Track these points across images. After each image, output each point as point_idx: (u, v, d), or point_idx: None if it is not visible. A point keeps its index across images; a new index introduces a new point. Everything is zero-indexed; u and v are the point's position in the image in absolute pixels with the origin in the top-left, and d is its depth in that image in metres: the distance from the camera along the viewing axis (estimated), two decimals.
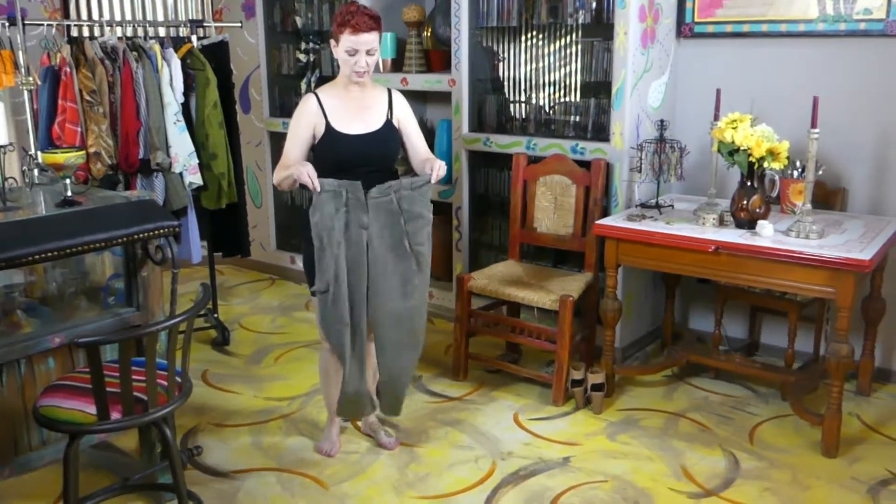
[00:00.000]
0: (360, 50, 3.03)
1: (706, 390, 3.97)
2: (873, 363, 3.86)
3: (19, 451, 2.83)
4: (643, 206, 3.83)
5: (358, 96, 3.17)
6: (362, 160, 3.10)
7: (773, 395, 3.89)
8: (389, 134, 3.20)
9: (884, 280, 3.71)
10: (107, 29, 4.18)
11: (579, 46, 4.24)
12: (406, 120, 3.26)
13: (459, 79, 4.52)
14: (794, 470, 3.26)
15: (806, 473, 3.24)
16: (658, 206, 3.80)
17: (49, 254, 2.61)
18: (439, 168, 3.05)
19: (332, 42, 3.10)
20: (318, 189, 2.94)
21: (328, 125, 3.10)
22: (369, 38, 3.03)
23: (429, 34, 4.86)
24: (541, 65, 4.39)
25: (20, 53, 3.82)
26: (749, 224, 3.45)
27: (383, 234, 3.07)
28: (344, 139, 3.10)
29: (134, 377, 2.46)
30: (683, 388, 4.00)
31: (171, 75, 4.13)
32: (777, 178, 3.57)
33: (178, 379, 2.67)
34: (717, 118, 3.57)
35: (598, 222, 3.73)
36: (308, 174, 2.92)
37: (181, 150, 4.14)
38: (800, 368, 3.93)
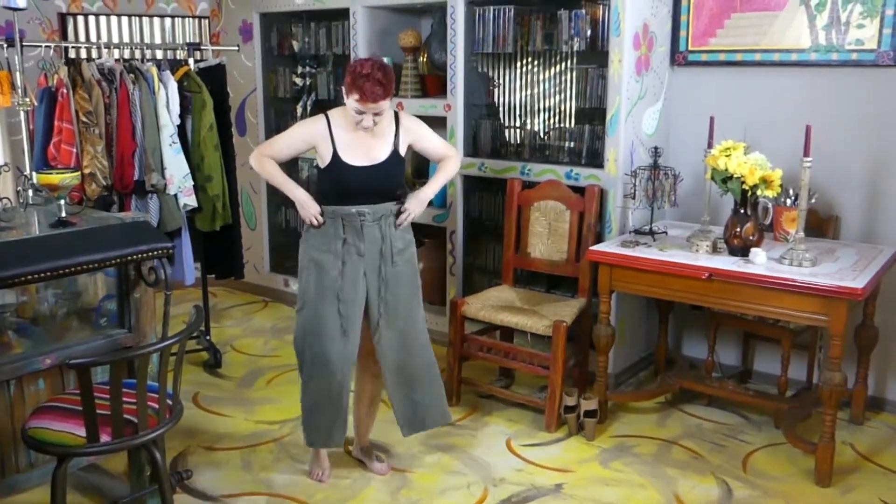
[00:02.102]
0: (367, 113, 3.05)
1: (699, 417, 3.96)
2: (866, 391, 3.86)
3: (7, 472, 2.80)
4: (637, 232, 3.84)
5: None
6: (365, 191, 3.16)
7: (766, 422, 3.88)
8: (394, 165, 3.23)
9: (876, 308, 3.72)
10: (104, 51, 4.20)
11: (574, 73, 4.27)
12: (416, 135, 3.29)
13: (455, 104, 4.54)
14: (788, 499, 3.25)
15: (799, 502, 3.22)
16: (652, 233, 3.81)
17: (42, 274, 2.61)
18: (405, 216, 3.19)
19: (343, 88, 3.08)
20: (318, 224, 3.14)
21: (335, 154, 3.15)
22: (376, 106, 3.03)
23: (425, 59, 4.89)
24: (536, 91, 4.42)
25: (17, 74, 3.83)
26: (742, 251, 3.46)
27: (375, 259, 3.19)
28: (349, 170, 3.15)
29: (124, 399, 2.45)
30: (676, 415, 3.99)
31: (168, 97, 4.14)
32: (770, 205, 3.59)
33: (169, 401, 2.65)
34: (710, 146, 3.60)
35: (591, 248, 3.74)
36: (315, 217, 3.13)
37: (176, 171, 4.15)
38: (793, 396, 3.92)
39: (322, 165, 3.19)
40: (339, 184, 3.17)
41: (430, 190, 3.27)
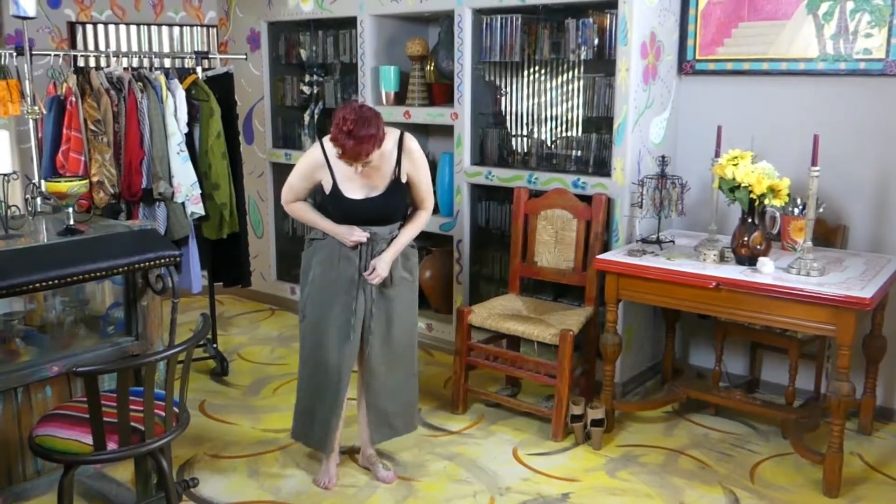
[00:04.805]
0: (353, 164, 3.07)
1: (706, 427, 3.95)
2: (875, 402, 3.84)
3: (14, 480, 2.81)
4: (644, 241, 3.83)
5: None
6: (366, 220, 3.20)
7: (774, 432, 3.86)
8: (395, 195, 3.23)
9: (885, 318, 3.71)
10: (113, 60, 4.22)
11: (581, 82, 4.27)
12: (414, 171, 3.25)
13: (462, 112, 4.55)
14: None
15: None
16: (659, 242, 3.81)
17: (50, 282, 2.62)
18: (374, 279, 3.18)
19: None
20: (367, 239, 3.18)
21: (335, 185, 3.17)
22: (358, 164, 3.04)
23: (432, 68, 4.90)
24: (543, 99, 4.42)
25: (27, 83, 3.85)
26: (750, 260, 3.45)
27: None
28: (348, 202, 3.18)
29: (131, 407, 2.45)
30: (683, 425, 3.97)
31: (176, 106, 4.16)
32: (778, 214, 3.58)
33: (176, 409, 2.66)
34: (718, 155, 3.59)
35: (598, 257, 3.73)
36: (358, 237, 3.16)
37: (184, 179, 4.16)
38: (800, 406, 3.90)
39: (325, 192, 3.22)
40: (339, 213, 3.20)
41: (395, 247, 3.23)
